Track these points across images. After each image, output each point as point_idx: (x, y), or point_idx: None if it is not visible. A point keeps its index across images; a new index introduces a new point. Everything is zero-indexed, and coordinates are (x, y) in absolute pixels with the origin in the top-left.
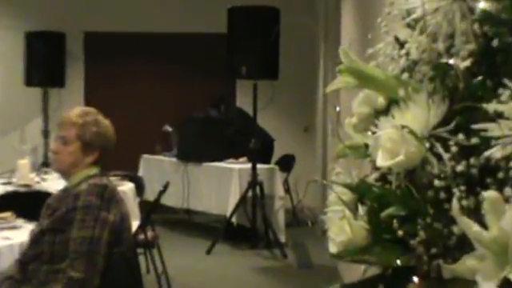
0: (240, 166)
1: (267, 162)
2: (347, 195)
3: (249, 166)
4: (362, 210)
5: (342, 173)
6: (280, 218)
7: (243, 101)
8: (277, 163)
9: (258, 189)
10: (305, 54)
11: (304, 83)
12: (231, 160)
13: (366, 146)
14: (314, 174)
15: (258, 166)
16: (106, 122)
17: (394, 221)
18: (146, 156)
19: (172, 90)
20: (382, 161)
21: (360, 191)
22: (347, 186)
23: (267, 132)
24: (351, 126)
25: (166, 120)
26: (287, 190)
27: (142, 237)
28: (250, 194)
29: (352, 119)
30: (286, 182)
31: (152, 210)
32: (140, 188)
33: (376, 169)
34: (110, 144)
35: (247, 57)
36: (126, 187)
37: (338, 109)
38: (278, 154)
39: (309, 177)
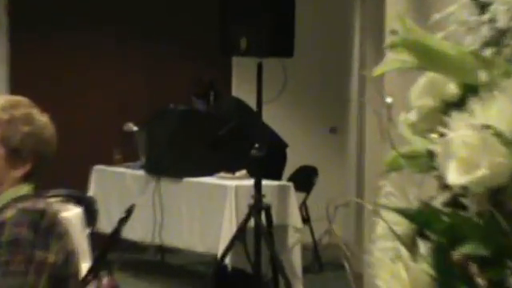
0: (237, 183)
1: (277, 176)
2: (402, 226)
3: (250, 182)
4: (424, 247)
5: (395, 193)
6: (296, 259)
7: (242, 88)
8: (291, 179)
9: (263, 216)
10: (332, 20)
11: (331, 63)
12: (224, 174)
13: (431, 154)
14: (346, 194)
15: (264, 182)
16: (42, 119)
17: (473, 263)
18: (99, 168)
19: (139, 71)
20: (455, 176)
21: (422, 220)
22: (402, 212)
23: (277, 134)
24: (408, 125)
25: (130, 115)
26: (306, 219)
27: (94, 285)
28: (251, 223)
29: (409, 115)
30: (304, 207)
31: (109, 247)
32: (91, 214)
33: (446, 188)
34: (49, 150)
35: (248, 25)
36: (72, 213)
37: (388, 100)
38: (292, 165)
39: (338, 198)
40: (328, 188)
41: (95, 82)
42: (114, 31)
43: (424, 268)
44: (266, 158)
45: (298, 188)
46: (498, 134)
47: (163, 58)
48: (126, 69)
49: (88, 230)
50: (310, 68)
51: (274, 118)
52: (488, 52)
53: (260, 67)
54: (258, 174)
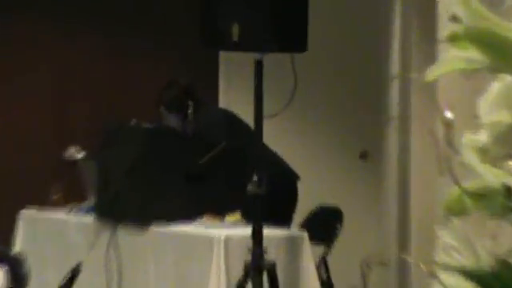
0: (228, 232)
1: (285, 222)
2: None
3: (246, 231)
4: None
5: (457, 247)
6: None
7: (234, 96)
8: (305, 225)
9: (265, 278)
10: (362, 2)
11: (360, 62)
12: (209, 219)
13: (508, 190)
14: (384, 247)
15: (266, 231)
16: None
17: None
18: (29, 213)
19: (85, 74)
20: None
21: (497, 284)
22: (469, 273)
23: (284, 161)
24: (476, 149)
25: (72, 137)
26: (326, 282)
27: None
28: None
29: (477, 136)
30: (323, 265)
31: None
32: (18, 278)
33: None
34: None
35: (243, 6)
36: None
37: (447, 115)
38: (306, 205)
39: (373, 254)
40: (358, 238)
41: (21, 91)
42: (49, 19)
43: None
44: (269, 197)
45: (314, 238)
46: None
47: (120, 54)
48: (66, 71)
49: None
50: (331, 69)
51: (279, 138)
52: None
53: (259, 66)
54: (257, 218)
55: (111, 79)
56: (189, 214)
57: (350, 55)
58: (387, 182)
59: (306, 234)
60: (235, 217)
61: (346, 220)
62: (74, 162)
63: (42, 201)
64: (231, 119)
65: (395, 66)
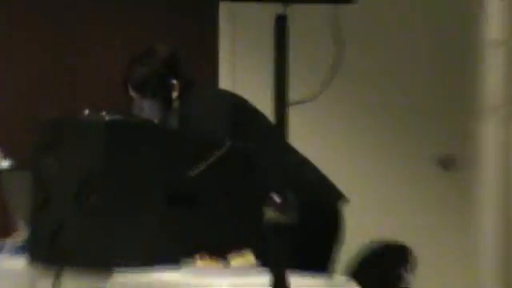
0: (233, 281)
1: (323, 266)
2: None
3: (262, 280)
4: None
5: None
6: None
7: (242, 73)
8: (355, 271)
9: None
10: None
11: (439, 21)
12: (205, 261)
13: None
14: None
15: (294, 280)
16: None
17: None
18: None
19: (19, 46)
20: None
21: None
22: None
23: (322, 174)
24: None
25: None
26: None
27: None
28: None
29: None
30: None
31: None
32: None
33: None
34: None
35: None
36: None
37: None
38: (355, 240)
39: None
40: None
41: None
42: None
43: None
44: (299, 227)
45: None
46: None
47: (67, 20)
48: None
49: None
50: (394, 32)
51: (313, 137)
52: None
53: (282, 26)
54: (279, 260)
55: (57, 50)
56: (173, 253)
57: (424, 10)
58: (482, 200)
59: (354, 284)
60: (245, 258)
61: (420, 262)
62: None
63: None
64: (237, 107)
65: (495, 29)
